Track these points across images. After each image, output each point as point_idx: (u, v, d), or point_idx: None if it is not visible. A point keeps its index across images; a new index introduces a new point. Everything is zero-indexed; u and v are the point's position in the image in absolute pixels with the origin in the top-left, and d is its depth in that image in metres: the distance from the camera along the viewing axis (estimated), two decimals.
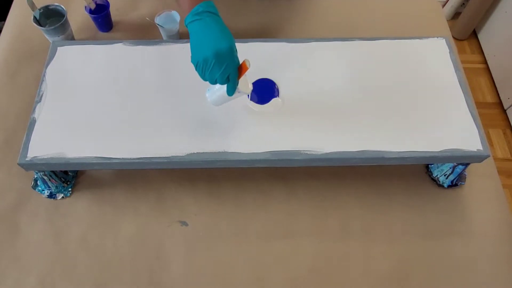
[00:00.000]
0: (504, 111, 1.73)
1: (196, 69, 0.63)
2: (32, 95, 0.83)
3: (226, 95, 0.65)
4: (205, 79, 0.64)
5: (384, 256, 0.74)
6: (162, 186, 0.79)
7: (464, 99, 0.75)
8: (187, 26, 0.64)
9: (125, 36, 0.97)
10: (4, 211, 0.76)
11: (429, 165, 0.82)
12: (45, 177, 0.73)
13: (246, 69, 0.63)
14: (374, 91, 0.76)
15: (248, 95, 0.74)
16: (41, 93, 0.74)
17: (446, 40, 0.82)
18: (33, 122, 0.71)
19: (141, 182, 0.79)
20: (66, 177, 0.77)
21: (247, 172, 0.81)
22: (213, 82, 0.63)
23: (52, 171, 0.73)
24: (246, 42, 0.80)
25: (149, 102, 0.74)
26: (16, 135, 0.82)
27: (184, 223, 0.76)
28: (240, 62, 0.63)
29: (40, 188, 0.77)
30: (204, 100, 0.73)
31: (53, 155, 0.68)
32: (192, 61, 0.63)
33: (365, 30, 0.99)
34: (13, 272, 0.71)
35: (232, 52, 0.61)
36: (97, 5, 0.93)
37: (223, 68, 0.60)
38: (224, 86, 0.64)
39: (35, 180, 0.77)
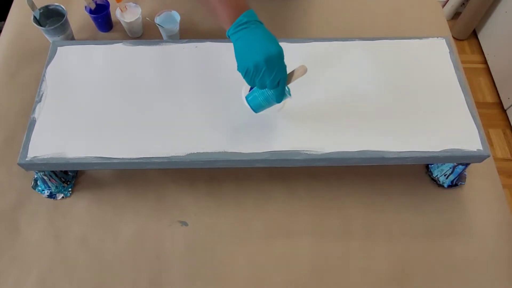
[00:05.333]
0: (504, 111, 1.73)
1: (244, 77, 0.63)
2: (32, 95, 0.83)
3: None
4: (253, 85, 0.64)
5: (384, 256, 0.74)
6: (162, 186, 0.79)
7: (464, 99, 0.75)
8: (229, 37, 0.63)
9: (125, 36, 0.97)
10: (4, 211, 0.76)
11: (429, 165, 0.82)
12: (45, 177, 0.73)
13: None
14: (374, 91, 0.76)
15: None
16: (41, 93, 0.74)
17: (446, 40, 0.82)
18: (33, 122, 0.71)
19: (141, 182, 0.79)
20: (66, 177, 0.77)
21: (247, 172, 0.81)
22: (263, 87, 0.63)
23: (52, 171, 0.73)
24: None
25: (149, 102, 0.73)
26: (16, 135, 0.82)
27: (184, 223, 0.76)
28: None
29: (40, 188, 0.77)
30: (204, 100, 0.73)
31: (53, 155, 0.68)
32: (239, 69, 0.62)
33: (365, 30, 0.99)
34: (13, 272, 0.71)
35: (282, 57, 0.61)
36: (97, 5, 0.93)
37: (273, 74, 0.60)
38: (266, 90, 0.65)
39: (35, 180, 0.77)
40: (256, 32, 0.61)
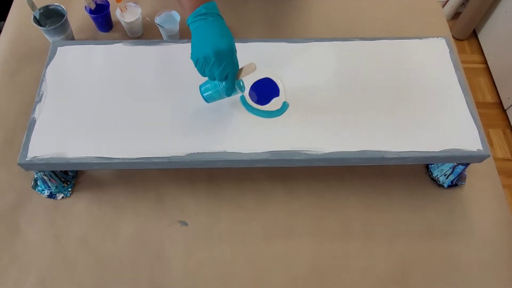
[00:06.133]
0: (504, 111, 1.73)
1: (195, 66, 0.65)
2: (32, 95, 0.83)
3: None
4: (204, 75, 0.66)
5: (384, 256, 0.74)
6: (162, 186, 0.79)
7: (464, 99, 0.75)
8: (189, 25, 0.65)
9: (125, 36, 0.97)
10: (4, 211, 0.76)
11: (429, 165, 0.82)
12: (45, 177, 0.73)
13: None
14: (374, 91, 0.76)
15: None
16: (41, 93, 0.74)
17: (446, 40, 0.82)
18: (33, 122, 0.71)
19: (141, 182, 0.79)
20: (66, 177, 0.77)
21: (247, 172, 0.81)
22: (212, 78, 0.65)
23: (52, 171, 0.73)
24: (246, 42, 0.80)
25: (149, 102, 0.74)
26: (16, 135, 0.82)
27: (184, 223, 0.76)
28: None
29: (40, 188, 0.77)
30: (204, 100, 0.73)
31: (53, 155, 0.68)
32: (191, 58, 0.65)
33: (365, 30, 0.99)
34: (13, 272, 0.71)
35: (232, 52, 0.63)
36: (97, 5, 0.93)
37: (222, 67, 0.62)
38: (219, 83, 0.67)
39: (35, 180, 0.77)
40: (212, 25, 0.63)
